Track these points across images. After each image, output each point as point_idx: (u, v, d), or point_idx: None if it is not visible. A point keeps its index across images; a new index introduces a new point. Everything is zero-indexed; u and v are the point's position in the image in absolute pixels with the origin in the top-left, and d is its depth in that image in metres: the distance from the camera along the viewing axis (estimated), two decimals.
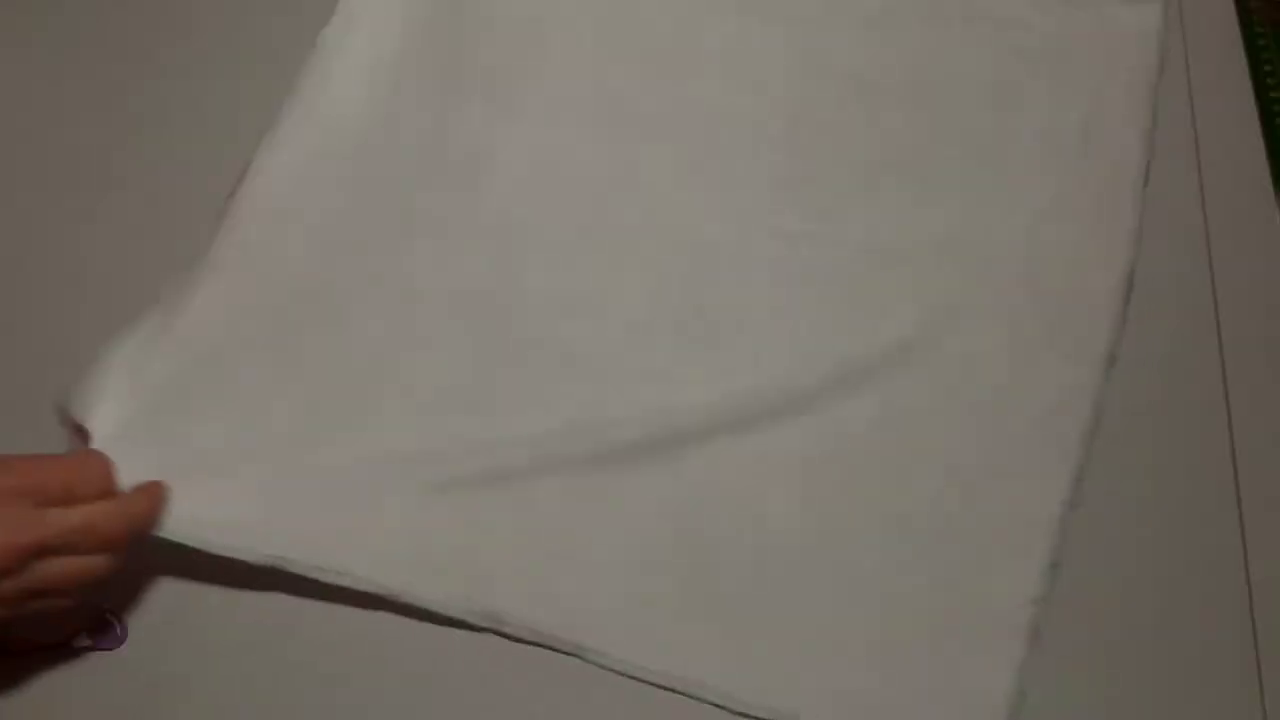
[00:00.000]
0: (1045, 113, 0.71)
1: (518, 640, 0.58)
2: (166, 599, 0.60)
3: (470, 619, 0.58)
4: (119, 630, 0.59)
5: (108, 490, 0.54)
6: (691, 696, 0.57)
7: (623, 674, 0.58)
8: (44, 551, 0.50)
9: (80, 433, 0.57)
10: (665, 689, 0.57)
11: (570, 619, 0.58)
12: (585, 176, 0.69)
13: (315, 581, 0.59)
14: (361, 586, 0.58)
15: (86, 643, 0.59)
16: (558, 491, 0.61)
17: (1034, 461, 0.62)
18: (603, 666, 0.58)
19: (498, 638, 0.58)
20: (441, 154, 0.69)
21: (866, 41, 0.74)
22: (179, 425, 0.60)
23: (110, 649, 0.59)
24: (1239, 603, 0.60)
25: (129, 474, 0.55)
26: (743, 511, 0.61)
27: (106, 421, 0.57)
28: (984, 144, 0.70)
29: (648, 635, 0.58)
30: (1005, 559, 0.60)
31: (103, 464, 0.54)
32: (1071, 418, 0.63)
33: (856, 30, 0.74)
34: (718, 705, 0.57)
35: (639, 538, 0.60)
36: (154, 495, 0.55)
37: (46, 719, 0.58)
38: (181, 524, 0.56)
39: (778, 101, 0.72)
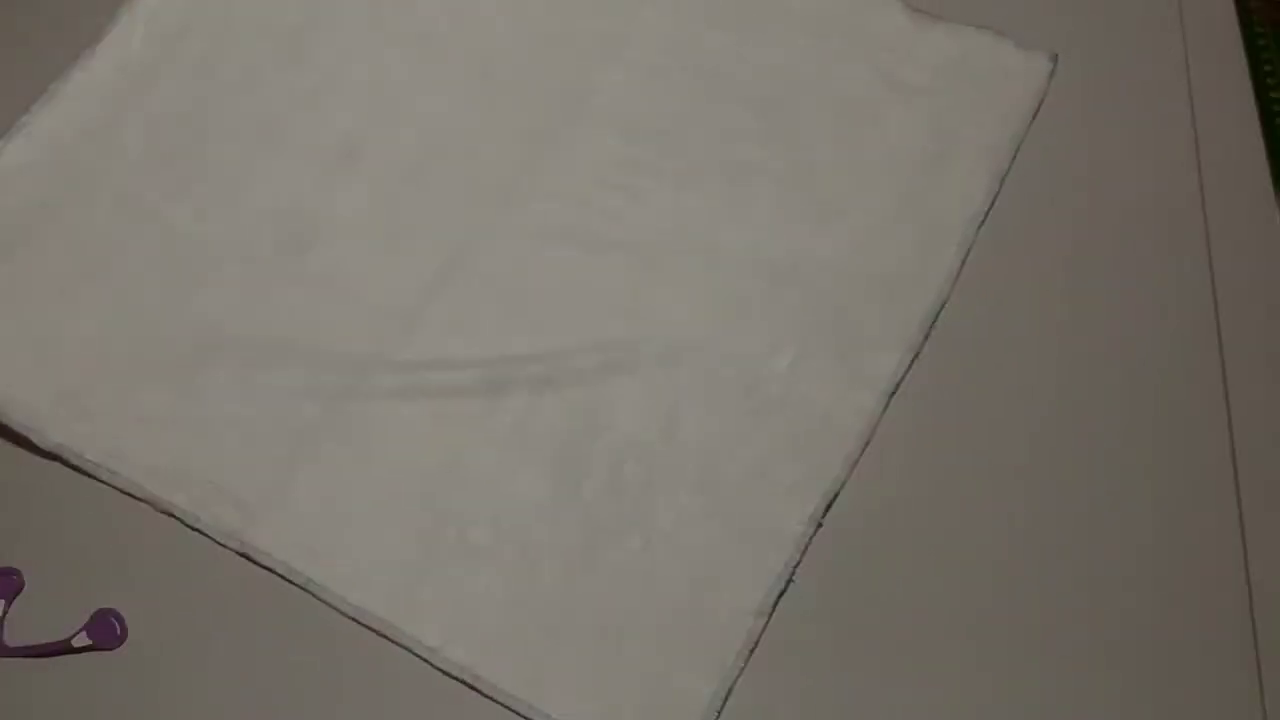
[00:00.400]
0: (893, 137, 0.71)
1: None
2: (166, 599, 0.60)
3: (217, 536, 0.61)
4: (119, 630, 0.59)
5: None
6: (407, 649, 0.58)
7: (349, 616, 0.59)
8: None
9: None
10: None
11: (313, 554, 0.60)
12: (433, 122, 0.72)
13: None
14: (120, 485, 0.61)
15: (87, 643, 0.59)
16: (322, 427, 0.63)
17: (789, 476, 0.62)
18: (330, 605, 0.59)
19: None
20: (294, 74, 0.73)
21: (740, 41, 0.74)
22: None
23: (110, 649, 0.59)
24: (1239, 603, 0.60)
25: None
26: (490, 484, 0.62)
27: None
28: (821, 155, 0.70)
29: (384, 587, 0.59)
30: (739, 569, 0.60)
31: None
32: (838, 438, 0.63)
33: (730, 31, 0.75)
34: (425, 660, 0.58)
35: (388, 492, 0.61)
36: None
37: (46, 719, 0.59)
38: None
39: (631, 85, 0.73)
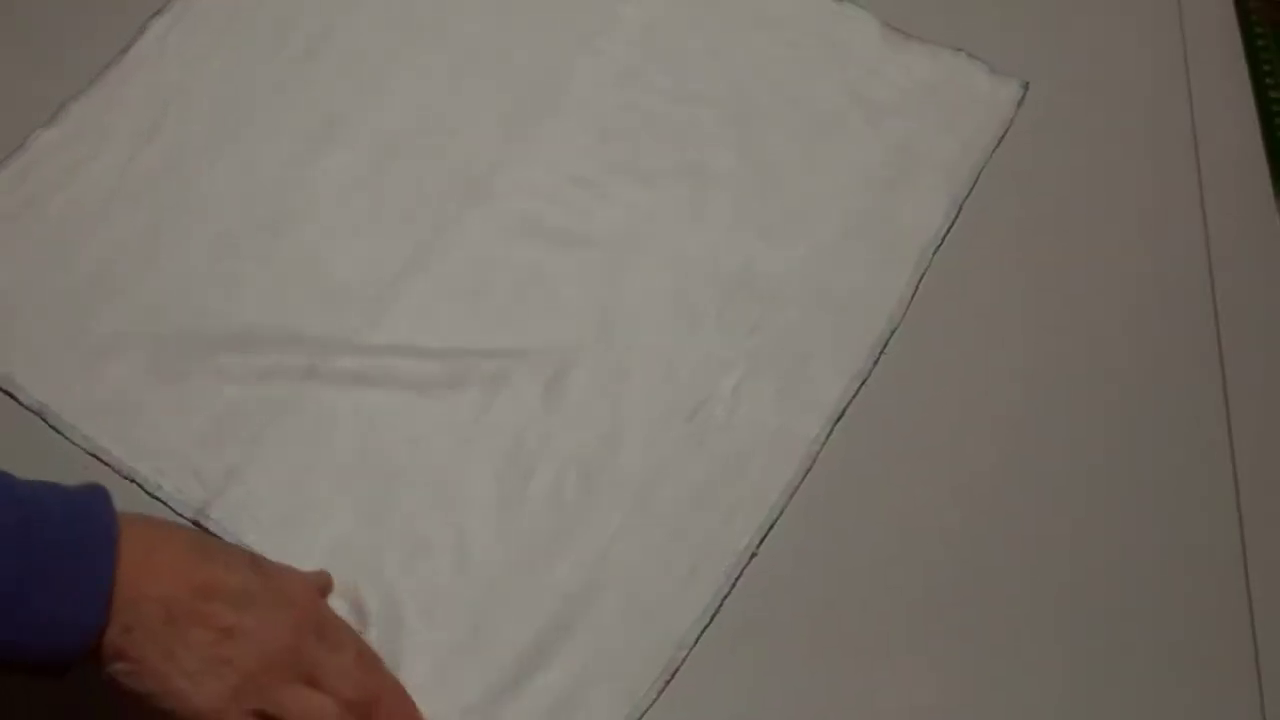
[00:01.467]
0: (856, 155, 0.71)
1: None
2: None
3: (177, 507, 0.61)
4: None
5: None
6: None
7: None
8: None
9: None
10: None
11: (269, 532, 0.60)
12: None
13: None
14: (90, 449, 0.62)
15: None
16: (286, 407, 0.63)
17: (726, 502, 0.61)
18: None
19: None
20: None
21: (717, 47, 0.75)
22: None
23: None
24: (1239, 602, 0.60)
25: None
26: (442, 478, 0.62)
27: None
28: (786, 168, 0.70)
29: (335, 569, 0.59)
30: (667, 597, 0.59)
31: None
32: (780, 465, 0.62)
33: (708, 35, 0.75)
34: None
35: (346, 475, 0.62)
36: None
37: (47, 719, 0.58)
38: None
39: (606, 82, 0.73)
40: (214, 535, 0.60)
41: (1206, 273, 0.68)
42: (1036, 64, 0.74)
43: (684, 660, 0.58)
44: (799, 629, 0.59)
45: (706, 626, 0.59)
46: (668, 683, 0.57)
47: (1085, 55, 0.75)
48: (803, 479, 0.62)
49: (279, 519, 0.61)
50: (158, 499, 0.61)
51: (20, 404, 0.63)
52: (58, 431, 0.63)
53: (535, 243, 0.68)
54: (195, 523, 0.61)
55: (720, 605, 0.59)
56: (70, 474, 0.60)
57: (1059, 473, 0.63)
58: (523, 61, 0.74)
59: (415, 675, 0.56)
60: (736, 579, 0.60)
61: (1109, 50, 0.75)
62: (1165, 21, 0.76)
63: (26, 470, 0.59)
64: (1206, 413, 0.64)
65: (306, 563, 0.58)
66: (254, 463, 0.62)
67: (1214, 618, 0.60)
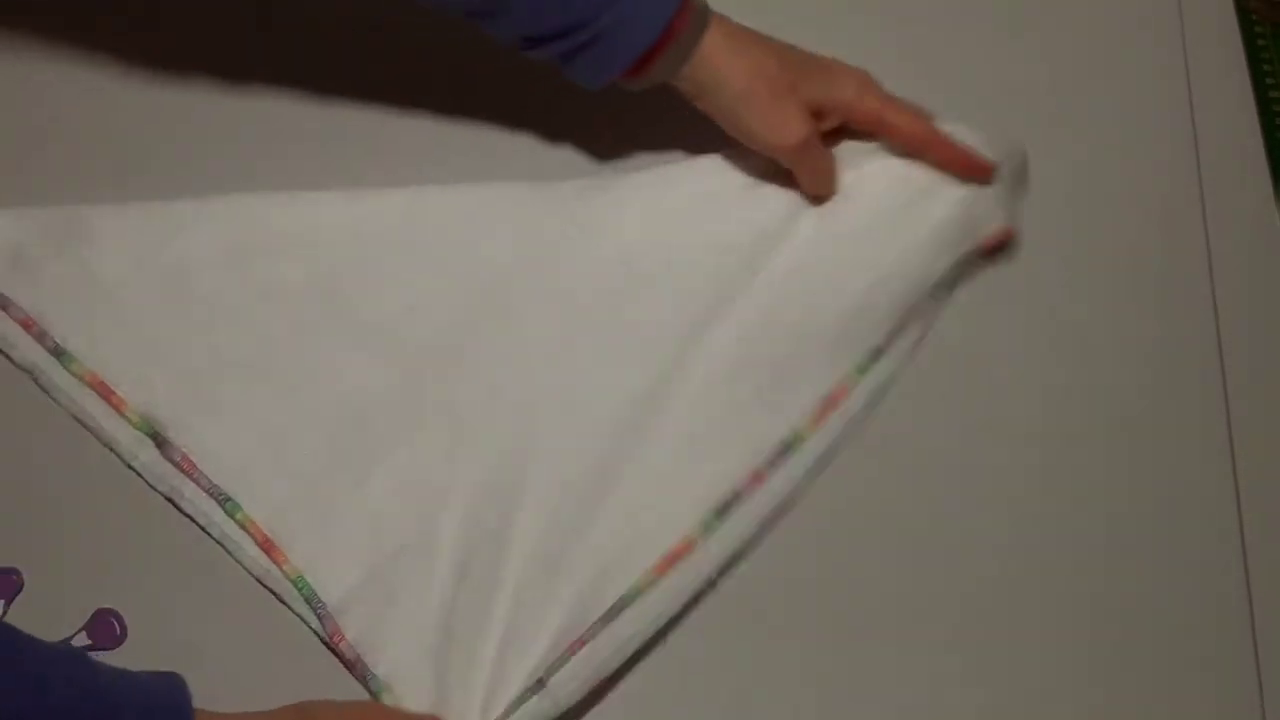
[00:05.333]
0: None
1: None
2: (166, 599, 0.60)
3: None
4: (118, 630, 0.59)
5: None
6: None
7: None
8: None
9: None
10: None
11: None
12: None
13: None
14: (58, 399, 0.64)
15: (86, 643, 0.59)
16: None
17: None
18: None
19: None
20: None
21: None
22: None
23: (110, 649, 0.59)
24: (1239, 602, 0.60)
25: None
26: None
27: None
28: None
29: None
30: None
31: None
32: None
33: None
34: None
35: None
36: None
37: None
38: None
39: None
40: None
41: (1207, 272, 0.68)
42: (1037, 63, 0.74)
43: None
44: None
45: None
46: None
47: (1086, 55, 0.75)
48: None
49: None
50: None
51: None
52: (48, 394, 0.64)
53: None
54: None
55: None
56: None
57: (1058, 474, 0.63)
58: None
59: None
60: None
61: (1110, 50, 0.75)
62: (1165, 22, 0.76)
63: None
64: (1206, 411, 0.64)
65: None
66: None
67: (1214, 617, 0.60)
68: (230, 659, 0.59)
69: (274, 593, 0.60)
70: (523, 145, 0.70)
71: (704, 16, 0.62)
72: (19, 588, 0.61)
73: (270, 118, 0.70)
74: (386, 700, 0.58)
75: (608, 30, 0.60)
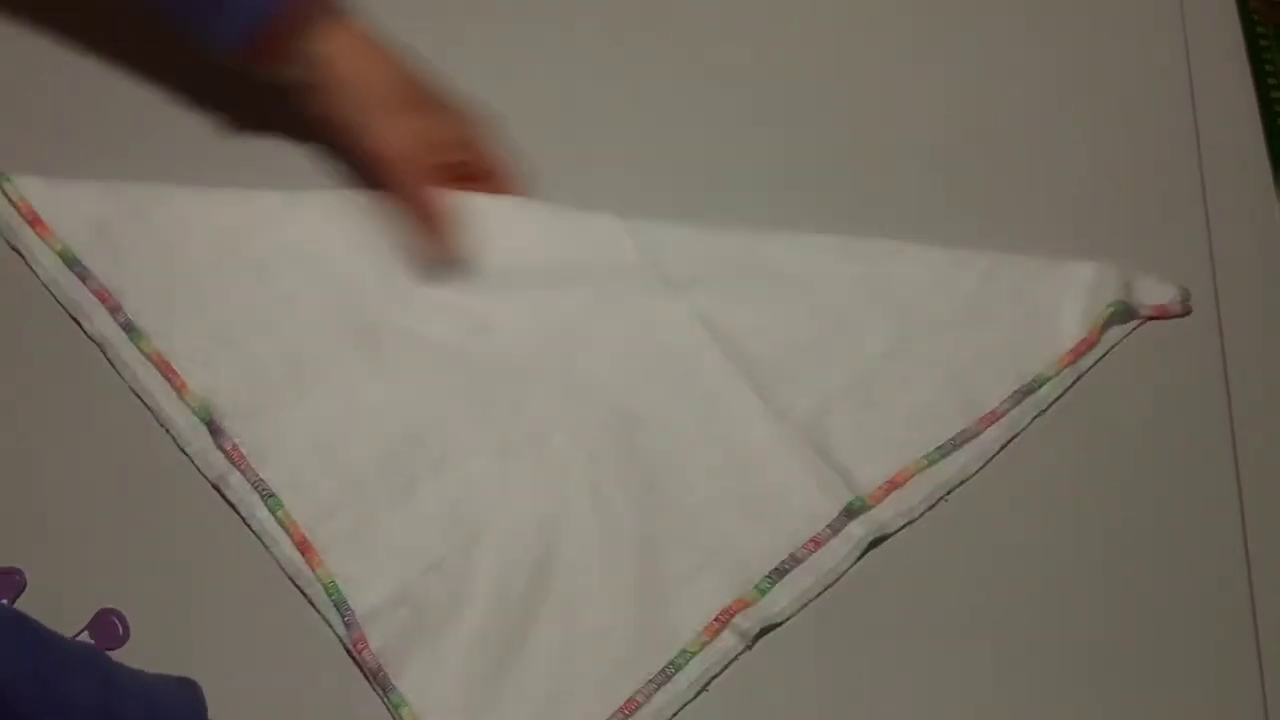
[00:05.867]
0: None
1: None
2: (168, 599, 0.60)
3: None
4: (121, 630, 0.59)
5: None
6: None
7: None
8: None
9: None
10: None
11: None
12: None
13: None
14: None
15: (89, 641, 0.59)
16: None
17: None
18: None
19: None
20: None
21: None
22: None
23: (112, 649, 0.59)
24: (1241, 603, 0.60)
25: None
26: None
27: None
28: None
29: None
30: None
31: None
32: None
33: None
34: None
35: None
36: None
37: None
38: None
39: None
40: None
41: (1209, 273, 0.68)
42: (1040, 64, 0.74)
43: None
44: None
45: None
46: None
47: (1088, 56, 0.75)
48: None
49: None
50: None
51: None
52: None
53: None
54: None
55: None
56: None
57: (1059, 474, 0.63)
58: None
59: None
60: None
61: (1112, 51, 0.75)
62: (1168, 23, 0.76)
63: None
64: (1208, 411, 0.64)
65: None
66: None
67: (1216, 617, 0.60)
68: (232, 660, 0.59)
69: (305, 595, 0.60)
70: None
71: (329, 10, 0.64)
72: (22, 587, 0.60)
73: None
74: (405, 716, 0.57)
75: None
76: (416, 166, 0.65)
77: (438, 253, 0.66)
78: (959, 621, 0.60)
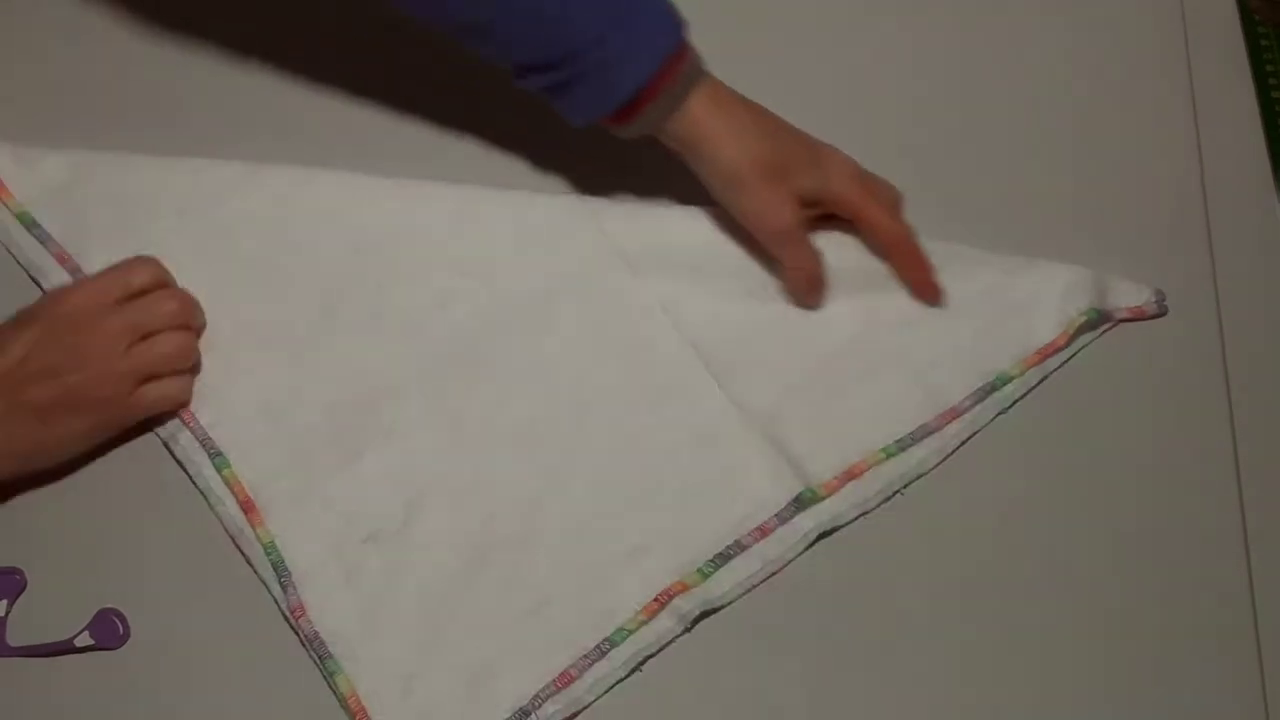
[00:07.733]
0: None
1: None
2: (168, 599, 0.61)
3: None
4: (121, 630, 0.60)
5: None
6: None
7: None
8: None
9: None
10: None
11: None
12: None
13: None
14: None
15: (89, 642, 0.59)
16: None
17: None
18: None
19: None
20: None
21: None
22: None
23: (112, 649, 0.59)
24: (1241, 602, 0.60)
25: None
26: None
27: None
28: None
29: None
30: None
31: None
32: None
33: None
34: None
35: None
36: None
37: (48, 718, 0.59)
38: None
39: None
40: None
41: (1210, 273, 0.68)
42: (1040, 65, 0.74)
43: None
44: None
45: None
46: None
47: (1088, 57, 0.75)
48: None
49: None
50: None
51: None
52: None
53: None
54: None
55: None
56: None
57: (1059, 475, 0.63)
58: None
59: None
60: None
61: (1112, 52, 0.75)
62: (1168, 24, 0.76)
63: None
64: (1208, 410, 0.64)
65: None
66: None
67: (1216, 617, 0.60)
68: (232, 659, 0.59)
69: (245, 556, 0.61)
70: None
71: (695, 72, 0.61)
72: (22, 587, 0.61)
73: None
74: (341, 684, 0.57)
75: (594, 69, 0.59)
76: (799, 237, 0.63)
77: (811, 306, 0.66)
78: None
